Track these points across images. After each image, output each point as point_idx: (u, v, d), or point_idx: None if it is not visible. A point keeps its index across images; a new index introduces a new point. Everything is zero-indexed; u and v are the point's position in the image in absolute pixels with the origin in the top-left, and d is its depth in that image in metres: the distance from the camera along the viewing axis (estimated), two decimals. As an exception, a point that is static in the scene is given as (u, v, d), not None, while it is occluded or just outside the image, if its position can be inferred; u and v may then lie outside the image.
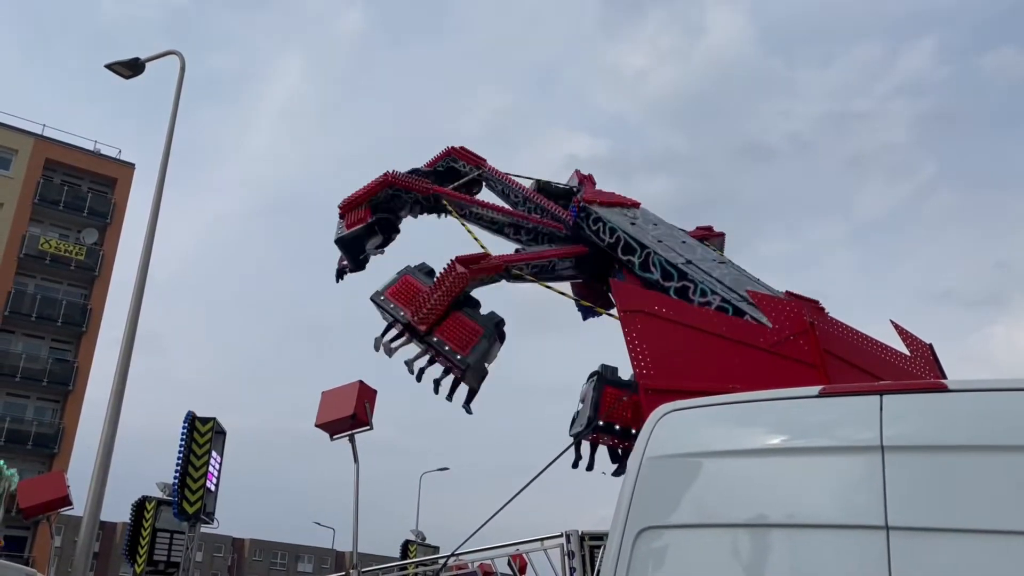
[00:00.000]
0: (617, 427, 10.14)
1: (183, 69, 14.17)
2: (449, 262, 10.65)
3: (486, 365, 10.36)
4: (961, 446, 2.76)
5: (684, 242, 11.09)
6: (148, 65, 14.25)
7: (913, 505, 2.72)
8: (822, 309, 9.41)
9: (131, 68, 14.11)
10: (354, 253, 12.88)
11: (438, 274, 10.70)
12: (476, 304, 10.71)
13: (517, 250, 12.38)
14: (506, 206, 12.99)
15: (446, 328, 10.20)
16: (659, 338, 8.77)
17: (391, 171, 12.81)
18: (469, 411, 10.60)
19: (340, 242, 12.74)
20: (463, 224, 12.54)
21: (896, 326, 10.09)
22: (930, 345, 10.15)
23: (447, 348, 10.02)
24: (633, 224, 11.31)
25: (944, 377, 9.52)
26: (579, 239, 11.86)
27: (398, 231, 13.08)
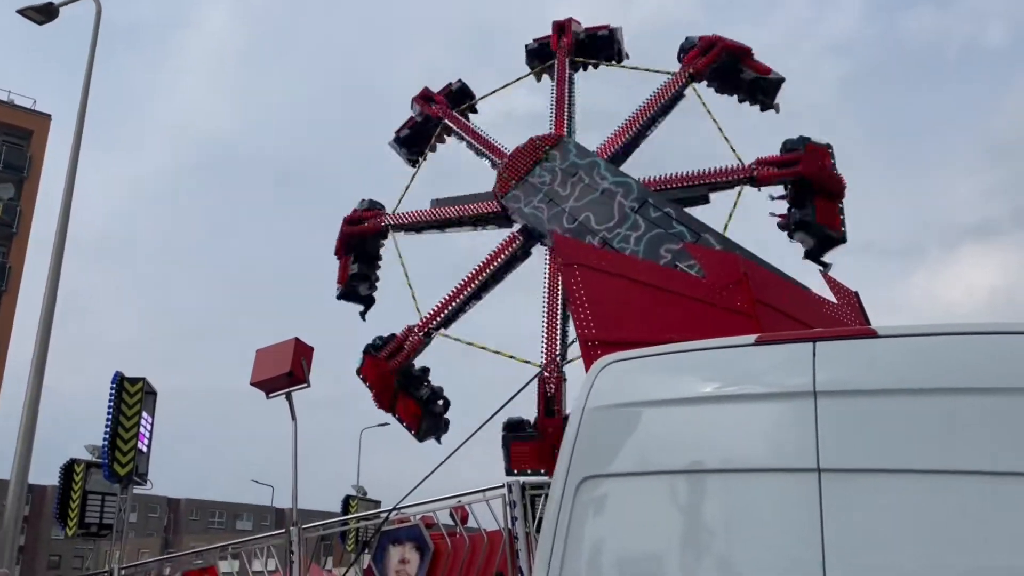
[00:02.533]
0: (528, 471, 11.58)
1: (99, 14, 13.51)
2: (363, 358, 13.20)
3: (438, 433, 12.84)
4: (890, 390, 2.85)
5: (602, 200, 11.45)
6: (64, 11, 13.52)
7: (844, 447, 2.80)
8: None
9: (44, 13, 13.38)
10: (356, 300, 14.46)
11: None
12: (420, 378, 12.89)
13: None
14: (444, 211, 14.02)
15: (400, 409, 12.87)
16: (598, 290, 8.85)
17: (345, 218, 14.31)
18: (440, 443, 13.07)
19: (341, 299, 14.42)
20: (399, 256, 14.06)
21: (825, 275, 10.40)
22: (856, 293, 10.50)
23: (405, 424, 12.83)
24: (550, 202, 11.84)
25: (868, 323, 9.88)
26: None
27: (379, 258, 14.58)
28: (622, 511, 3.16)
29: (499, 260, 13.09)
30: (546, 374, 12.32)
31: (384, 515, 10.05)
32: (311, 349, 11.02)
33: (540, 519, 7.24)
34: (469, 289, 13.03)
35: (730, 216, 11.60)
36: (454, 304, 13.05)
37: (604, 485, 3.21)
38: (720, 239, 10.38)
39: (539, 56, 14.67)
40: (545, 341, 12.65)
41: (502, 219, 13.15)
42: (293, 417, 10.67)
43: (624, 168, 12.40)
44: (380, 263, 14.42)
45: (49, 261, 11.81)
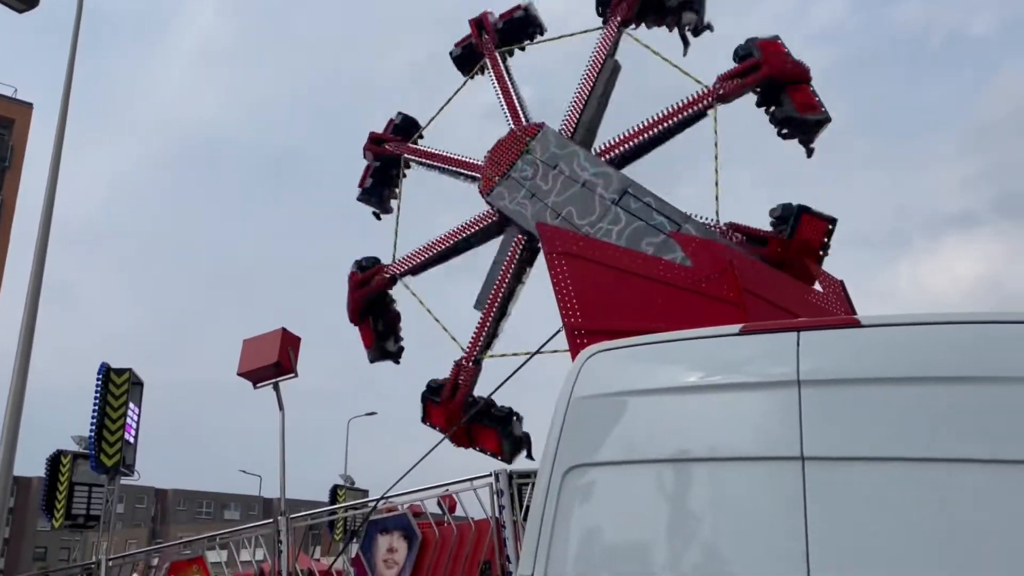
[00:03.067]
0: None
1: (81, 2, 13.34)
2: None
3: (528, 450, 12.96)
4: (874, 379, 2.88)
5: (583, 193, 11.41)
6: (54, 4, 13.35)
7: (827, 436, 2.83)
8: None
9: (24, 1, 13.18)
10: (388, 358, 14.74)
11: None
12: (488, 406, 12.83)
13: None
14: (442, 244, 14.09)
15: (480, 441, 12.92)
16: (584, 279, 8.87)
17: (350, 284, 14.36)
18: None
19: (375, 362, 14.67)
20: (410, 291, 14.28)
21: (812, 264, 10.45)
22: (841, 282, 10.57)
23: (490, 453, 12.84)
24: (533, 197, 11.89)
25: (854, 311, 9.95)
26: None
27: (396, 312, 14.76)
28: (608, 500, 3.18)
29: (512, 265, 13.14)
30: (463, 362, 12.97)
31: (372, 504, 10.07)
32: (298, 339, 11.00)
33: (527, 507, 7.28)
34: (496, 306, 13.04)
35: (716, 137, 11.37)
36: (488, 326, 13.06)
37: (590, 474, 3.23)
38: (701, 229, 10.35)
39: (468, 60, 14.68)
40: (477, 328, 13.01)
41: (499, 226, 13.16)
42: (280, 407, 10.66)
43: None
44: (399, 314, 14.55)
45: (33, 251, 11.71)
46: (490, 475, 8.26)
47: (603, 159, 12.08)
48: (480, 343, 13.06)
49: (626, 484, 3.15)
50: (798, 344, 3.04)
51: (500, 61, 14.18)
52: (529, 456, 13.00)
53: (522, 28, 14.43)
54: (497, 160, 12.58)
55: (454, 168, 13.98)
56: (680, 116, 11.79)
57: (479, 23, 14.55)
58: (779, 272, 9.89)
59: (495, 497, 8.14)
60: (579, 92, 12.86)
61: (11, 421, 10.65)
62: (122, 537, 52.31)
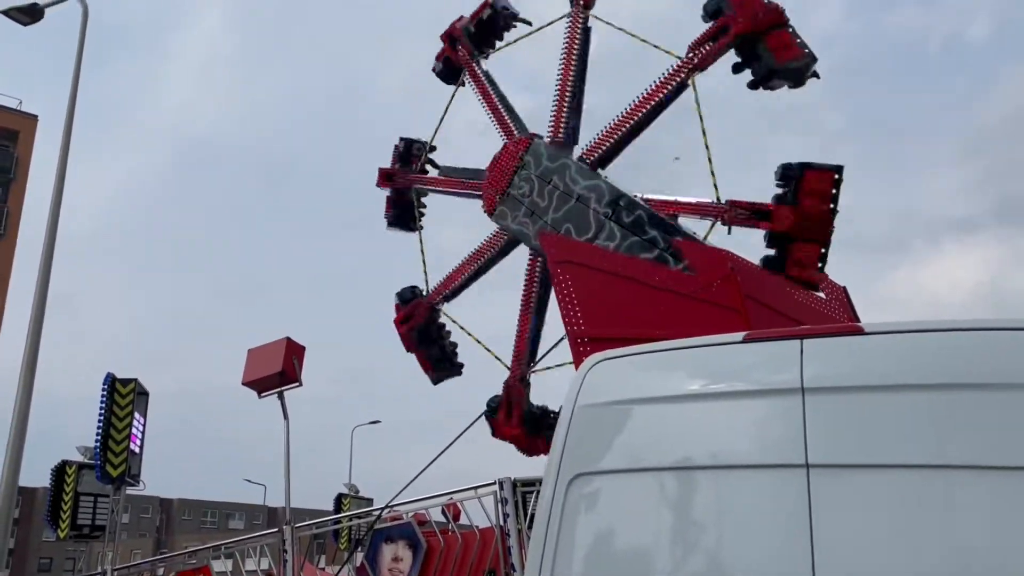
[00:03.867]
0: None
1: (86, 14, 13.42)
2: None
3: None
4: (878, 386, 2.89)
5: (578, 208, 11.42)
6: (51, 12, 13.43)
7: (832, 443, 2.84)
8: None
9: (29, 14, 13.27)
10: (449, 376, 14.90)
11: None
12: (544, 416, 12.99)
13: None
14: (471, 265, 14.34)
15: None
16: (587, 287, 8.90)
17: (395, 320, 14.61)
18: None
19: (435, 382, 14.88)
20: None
21: (816, 267, 10.44)
22: (844, 288, 10.56)
23: None
24: (532, 215, 11.93)
25: (856, 318, 9.95)
26: None
27: (444, 337, 14.98)
28: (613, 508, 3.19)
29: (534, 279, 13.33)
30: (511, 382, 13.04)
31: (377, 513, 10.07)
32: (303, 348, 11.04)
33: (532, 516, 7.28)
34: (529, 323, 13.23)
35: (698, 108, 11.05)
36: (526, 341, 13.24)
37: (595, 482, 3.24)
38: (678, 255, 10.23)
39: (450, 74, 14.70)
40: (516, 348, 13.17)
41: (513, 241, 13.30)
42: (285, 416, 10.69)
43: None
44: (449, 337, 14.69)
45: (39, 262, 11.75)
46: (494, 483, 8.26)
47: (592, 157, 12.05)
48: (523, 360, 13.22)
49: (631, 492, 3.16)
50: (802, 352, 3.05)
51: (479, 71, 14.14)
52: None
53: (493, 24, 14.31)
54: (496, 177, 12.63)
55: (464, 191, 14.10)
56: (658, 97, 11.57)
57: (450, 36, 14.53)
58: (781, 279, 9.88)
59: (499, 505, 8.14)
60: (559, 93, 12.80)
61: (16, 431, 10.67)
62: (127, 547, 52.26)
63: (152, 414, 15.84)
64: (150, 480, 15.83)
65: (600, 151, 12.12)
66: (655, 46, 11.64)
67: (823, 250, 10.58)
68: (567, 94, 12.74)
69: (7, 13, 13.19)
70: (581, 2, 12.94)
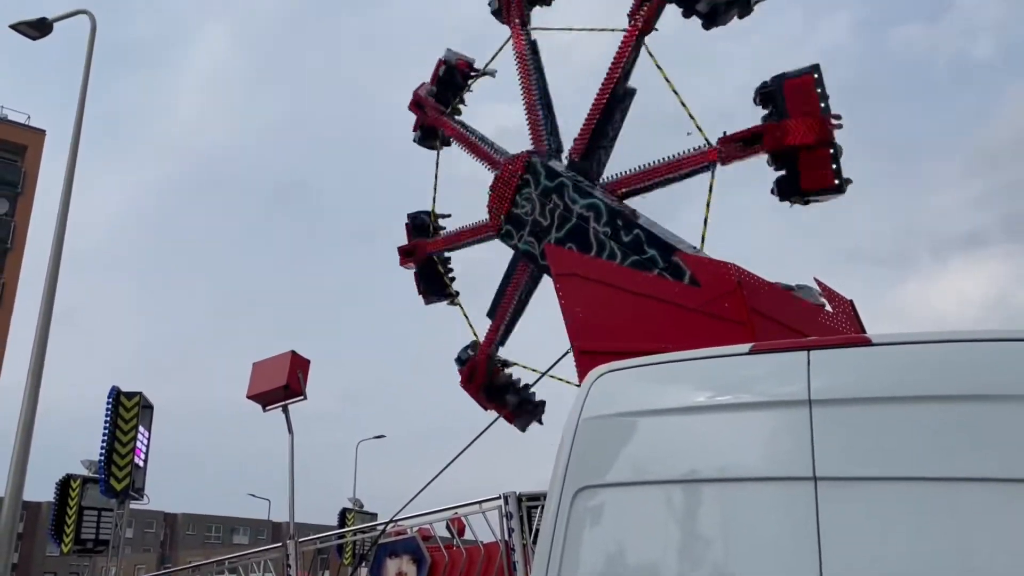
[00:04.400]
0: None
1: (94, 29, 13.52)
2: None
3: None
4: (885, 397, 2.86)
5: (579, 228, 11.47)
6: (59, 27, 13.53)
7: (840, 456, 2.80)
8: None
9: (38, 29, 13.38)
10: (533, 419, 14.87)
11: None
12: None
13: None
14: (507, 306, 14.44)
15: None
16: (592, 300, 8.87)
17: (459, 370, 14.71)
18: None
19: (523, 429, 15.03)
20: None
21: (819, 283, 10.41)
22: (851, 301, 10.50)
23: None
24: (537, 235, 12.00)
25: (864, 331, 9.89)
26: None
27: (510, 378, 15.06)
28: (619, 521, 3.16)
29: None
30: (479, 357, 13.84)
31: (381, 528, 10.02)
32: (307, 362, 11.04)
33: (537, 530, 7.23)
34: (506, 319, 13.70)
35: (709, 197, 10.81)
36: (500, 327, 13.84)
37: (600, 495, 3.21)
38: (682, 269, 10.13)
39: (429, 138, 14.77)
40: (490, 331, 13.89)
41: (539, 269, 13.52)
42: (290, 430, 10.67)
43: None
44: (520, 383, 14.65)
45: (45, 275, 11.78)
46: (499, 498, 8.22)
47: (578, 155, 12.08)
48: (495, 341, 13.87)
49: (636, 505, 3.12)
50: (808, 363, 3.02)
51: (453, 123, 14.20)
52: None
53: (452, 79, 14.45)
54: (498, 197, 12.64)
55: (474, 239, 14.18)
56: (681, 171, 11.43)
57: (416, 103, 14.67)
58: (787, 292, 9.84)
59: (504, 520, 8.09)
60: (527, 109, 12.88)
61: (21, 445, 10.66)
62: (131, 562, 52.11)
63: (156, 427, 15.86)
64: (154, 494, 15.84)
65: (584, 144, 12.10)
66: (691, 116, 11.24)
67: (831, 150, 10.22)
68: (535, 107, 12.82)
69: (16, 27, 13.30)
70: (516, 21, 13.09)
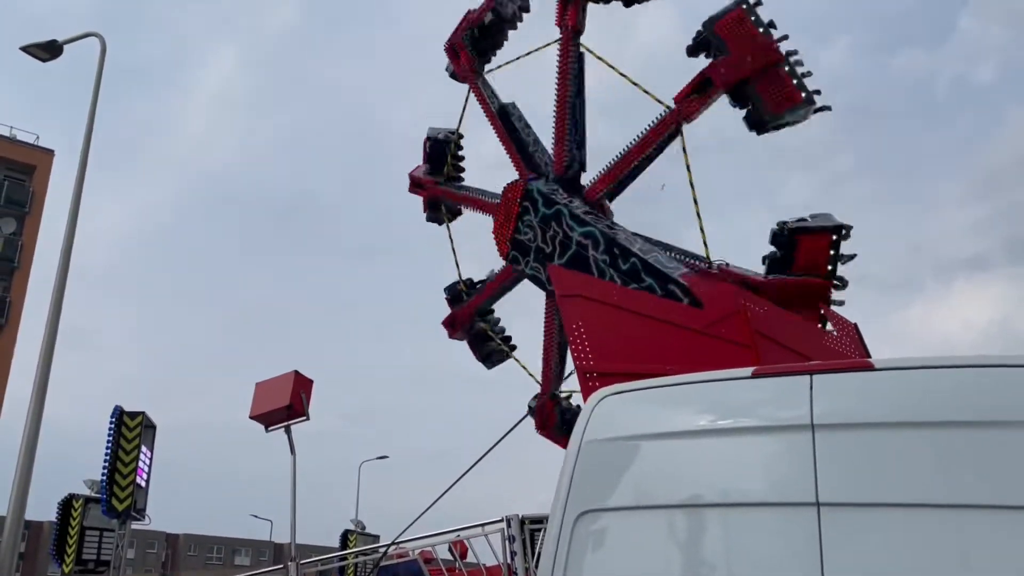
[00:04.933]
0: None
1: (104, 51, 13.65)
2: None
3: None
4: (888, 423, 2.85)
5: (579, 256, 11.46)
6: (72, 51, 13.69)
7: (843, 481, 2.79)
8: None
9: (48, 51, 13.52)
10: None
11: None
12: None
13: None
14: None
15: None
16: (596, 321, 8.86)
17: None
18: None
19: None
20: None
21: (823, 306, 10.39)
22: (855, 325, 10.48)
23: None
24: (541, 261, 11.96)
25: (868, 354, 9.86)
26: None
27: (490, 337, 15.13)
28: (621, 546, 3.14)
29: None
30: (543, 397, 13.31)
31: (383, 550, 9.96)
32: (310, 382, 11.02)
33: (539, 554, 7.18)
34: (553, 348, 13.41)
35: (686, 158, 10.63)
36: (552, 365, 13.52)
37: (602, 519, 3.19)
38: (685, 291, 10.05)
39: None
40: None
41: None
42: (292, 451, 10.63)
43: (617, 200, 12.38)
44: (491, 336, 14.71)
45: (51, 295, 11.82)
46: (502, 521, 8.18)
47: (593, 197, 12.00)
48: (551, 381, 13.58)
49: (639, 530, 3.11)
50: (811, 387, 3.01)
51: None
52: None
53: (442, 152, 14.43)
54: (502, 222, 12.67)
55: (503, 287, 14.08)
56: (652, 145, 11.31)
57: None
58: (792, 314, 9.82)
59: (507, 543, 8.04)
60: (556, 125, 12.56)
61: (24, 465, 10.65)
62: (132, 583, 51.78)
63: (158, 447, 15.82)
64: (156, 514, 15.76)
65: (600, 193, 12.08)
66: (645, 91, 11.26)
67: (786, 67, 9.97)
68: (565, 126, 12.50)
69: (27, 49, 13.45)
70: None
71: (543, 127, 13.11)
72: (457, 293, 14.70)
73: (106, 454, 14.34)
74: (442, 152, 14.56)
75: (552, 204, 11.74)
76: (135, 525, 15.63)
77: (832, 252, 10.27)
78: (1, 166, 45.88)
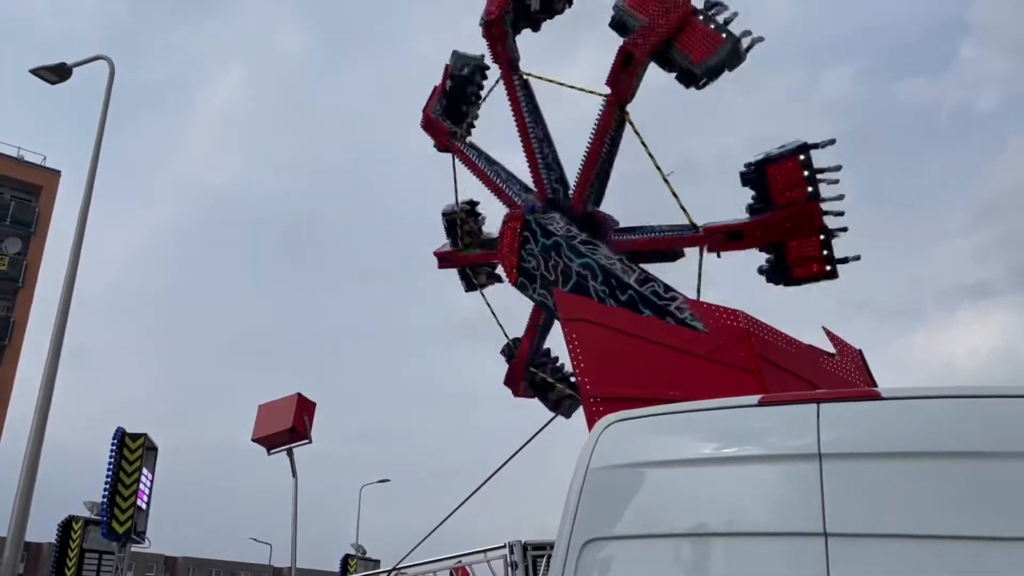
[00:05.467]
0: None
1: (112, 74, 13.77)
2: None
3: None
4: (896, 452, 2.84)
5: (580, 285, 11.52)
6: (85, 76, 13.84)
7: (850, 512, 2.77)
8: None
9: (57, 73, 13.64)
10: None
11: None
12: None
13: None
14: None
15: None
16: (600, 346, 8.85)
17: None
18: None
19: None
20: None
21: (828, 332, 10.38)
22: (860, 351, 10.46)
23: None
24: (547, 288, 12.07)
25: (873, 381, 9.83)
26: None
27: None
28: (627, 575, 3.11)
29: None
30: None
31: (383, 575, 9.89)
32: (313, 405, 11.02)
33: (543, 581, 7.13)
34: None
35: (641, 140, 10.82)
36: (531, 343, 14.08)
37: (608, 548, 3.17)
38: (681, 322, 10.06)
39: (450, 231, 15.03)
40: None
41: None
42: (294, 474, 10.61)
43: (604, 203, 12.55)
44: (551, 383, 14.74)
45: (55, 314, 11.83)
46: (504, 547, 8.12)
47: (577, 210, 12.18)
48: (528, 355, 13.93)
49: (644, 559, 3.08)
50: (818, 416, 3.00)
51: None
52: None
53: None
54: (506, 252, 12.75)
55: (538, 328, 14.23)
56: (605, 138, 11.51)
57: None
58: (797, 340, 9.81)
59: (509, 569, 7.99)
60: (526, 154, 12.78)
61: (25, 486, 10.60)
62: (130, 606, 51.36)
63: (159, 469, 15.77)
64: (155, 537, 15.66)
65: (583, 204, 12.21)
66: (571, 87, 11.61)
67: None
68: (534, 152, 12.70)
69: (36, 72, 13.57)
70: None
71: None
72: (511, 353, 14.81)
73: (107, 476, 14.29)
74: (453, 226, 14.82)
75: (550, 235, 11.81)
76: (134, 547, 15.52)
77: (806, 172, 9.99)
78: (8, 186, 46.15)
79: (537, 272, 12.02)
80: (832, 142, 10.24)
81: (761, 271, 10.84)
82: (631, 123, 11.15)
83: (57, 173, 47.51)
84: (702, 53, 10.04)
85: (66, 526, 16.35)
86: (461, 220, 14.71)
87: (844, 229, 10.47)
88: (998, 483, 2.65)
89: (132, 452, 14.40)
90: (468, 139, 14.37)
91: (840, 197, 10.25)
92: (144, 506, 14.78)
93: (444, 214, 14.94)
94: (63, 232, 46.34)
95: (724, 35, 10.01)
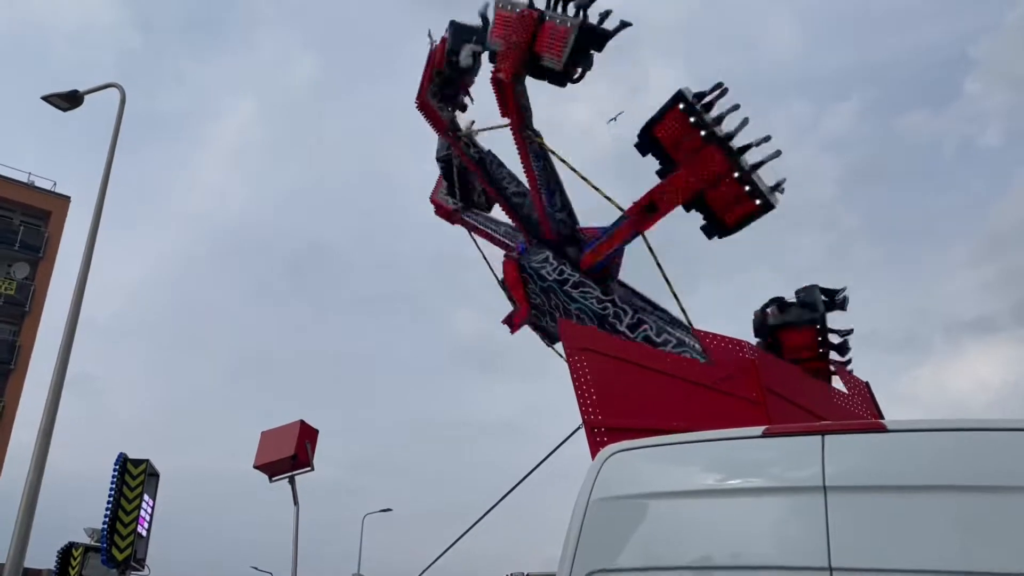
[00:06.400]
0: None
1: (123, 101, 13.92)
2: None
3: None
4: (901, 486, 2.80)
5: (578, 321, 11.52)
6: (97, 105, 13.99)
7: (855, 546, 2.73)
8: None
9: (69, 100, 13.79)
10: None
11: None
12: None
13: None
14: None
15: None
16: (604, 375, 8.82)
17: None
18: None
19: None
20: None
21: (834, 364, 10.32)
22: (867, 383, 10.39)
23: None
24: (555, 321, 12.08)
25: (880, 413, 9.76)
26: None
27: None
28: None
29: None
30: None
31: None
32: (316, 432, 10.96)
33: (545, 613, 7.03)
34: None
35: (657, 261, 10.80)
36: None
37: None
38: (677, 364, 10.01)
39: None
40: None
41: None
42: (295, 502, 10.53)
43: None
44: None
45: (60, 340, 11.84)
46: (507, 578, 8.03)
47: (551, 242, 12.34)
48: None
49: None
50: (823, 448, 2.97)
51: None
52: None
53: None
54: (513, 287, 12.83)
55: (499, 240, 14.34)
56: (533, 174, 11.89)
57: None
58: (802, 371, 9.76)
59: (512, 601, 7.88)
60: (532, 200, 12.98)
61: (25, 511, 10.55)
62: (128, 635, 50.77)
63: (161, 495, 15.67)
64: (155, 564, 15.52)
65: (550, 232, 12.45)
66: (595, 187, 11.54)
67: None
68: (541, 199, 12.80)
69: (48, 99, 13.72)
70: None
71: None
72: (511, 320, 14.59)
73: (108, 502, 14.20)
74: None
75: (544, 278, 11.90)
76: (133, 575, 15.37)
77: (692, 119, 9.80)
78: (17, 211, 46.46)
79: (544, 307, 12.16)
80: (679, 95, 9.93)
81: (703, 230, 10.59)
82: (649, 245, 11.06)
83: (67, 199, 47.84)
84: (559, 48, 10.21)
85: (66, 553, 16.22)
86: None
87: (765, 161, 9.94)
88: (1004, 518, 2.61)
89: (134, 478, 14.31)
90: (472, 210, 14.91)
91: (745, 122, 9.80)
92: (144, 533, 14.65)
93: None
94: (71, 258, 46.52)
95: (568, 24, 10.20)
